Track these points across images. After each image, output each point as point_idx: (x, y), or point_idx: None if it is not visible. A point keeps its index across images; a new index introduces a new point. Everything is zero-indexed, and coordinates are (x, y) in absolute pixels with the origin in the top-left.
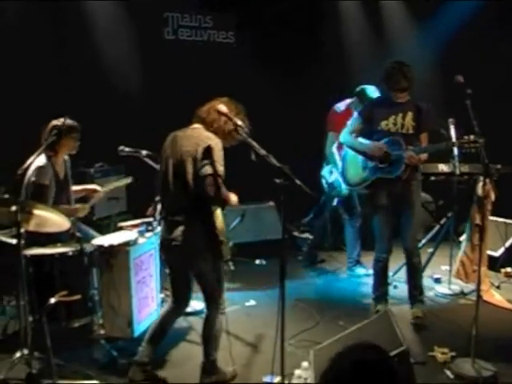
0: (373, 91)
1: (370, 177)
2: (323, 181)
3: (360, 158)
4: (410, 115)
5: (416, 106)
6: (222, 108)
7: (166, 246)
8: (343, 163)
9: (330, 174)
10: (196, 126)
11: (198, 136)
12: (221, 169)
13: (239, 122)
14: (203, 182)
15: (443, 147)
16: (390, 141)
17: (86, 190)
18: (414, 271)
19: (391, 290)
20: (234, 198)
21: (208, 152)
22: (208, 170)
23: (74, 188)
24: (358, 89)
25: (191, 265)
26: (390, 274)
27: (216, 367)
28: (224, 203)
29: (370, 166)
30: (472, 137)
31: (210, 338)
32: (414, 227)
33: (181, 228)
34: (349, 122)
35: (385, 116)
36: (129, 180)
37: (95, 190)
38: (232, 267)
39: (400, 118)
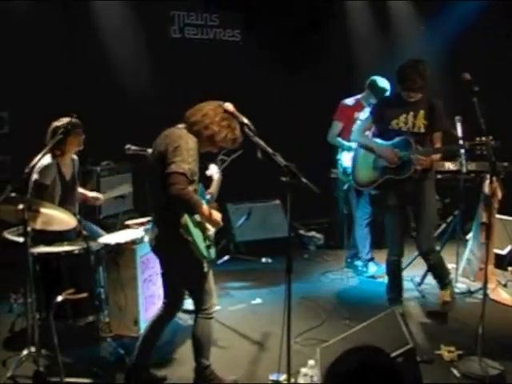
0: (384, 82)
1: (380, 177)
2: (338, 163)
3: (371, 157)
4: (421, 113)
5: (429, 103)
6: (229, 107)
7: (151, 247)
8: (354, 162)
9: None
10: (180, 125)
11: (171, 135)
12: (186, 167)
13: (245, 121)
14: (168, 180)
15: (454, 149)
16: (402, 141)
17: (87, 198)
18: (433, 269)
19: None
20: (211, 212)
21: (176, 151)
22: (172, 168)
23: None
24: (368, 80)
25: (166, 268)
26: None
27: (209, 375)
28: (188, 205)
29: (379, 166)
30: (484, 138)
31: (196, 343)
32: (427, 228)
33: (156, 229)
34: (358, 122)
35: (395, 115)
36: (129, 189)
37: (97, 198)
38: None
39: (411, 117)
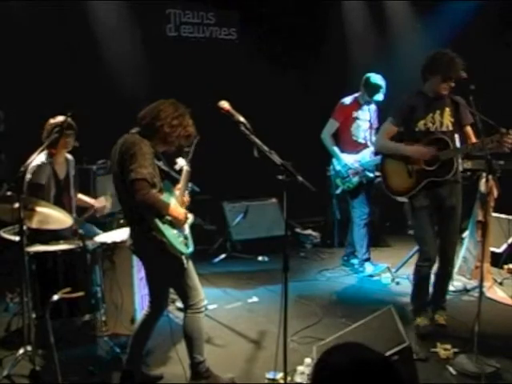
0: (378, 79)
1: (420, 182)
2: (331, 167)
3: (402, 164)
4: (447, 111)
5: (452, 100)
6: (225, 105)
7: (132, 252)
8: (383, 172)
9: (339, 163)
10: (133, 130)
11: (126, 143)
12: (144, 172)
13: (241, 119)
14: (131, 188)
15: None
16: (433, 141)
17: (94, 207)
18: (446, 280)
19: (393, 286)
20: (177, 208)
21: (132, 158)
22: (132, 176)
23: (81, 197)
24: (363, 78)
25: (148, 269)
26: (393, 269)
27: (204, 371)
28: (154, 208)
29: (415, 171)
30: None
31: (187, 339)
32: (455, 234)
33: (132, 234)
34: (381, 128)
35: (422, 115)
36: None
37: (104, 207)
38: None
39: (438, 116)
